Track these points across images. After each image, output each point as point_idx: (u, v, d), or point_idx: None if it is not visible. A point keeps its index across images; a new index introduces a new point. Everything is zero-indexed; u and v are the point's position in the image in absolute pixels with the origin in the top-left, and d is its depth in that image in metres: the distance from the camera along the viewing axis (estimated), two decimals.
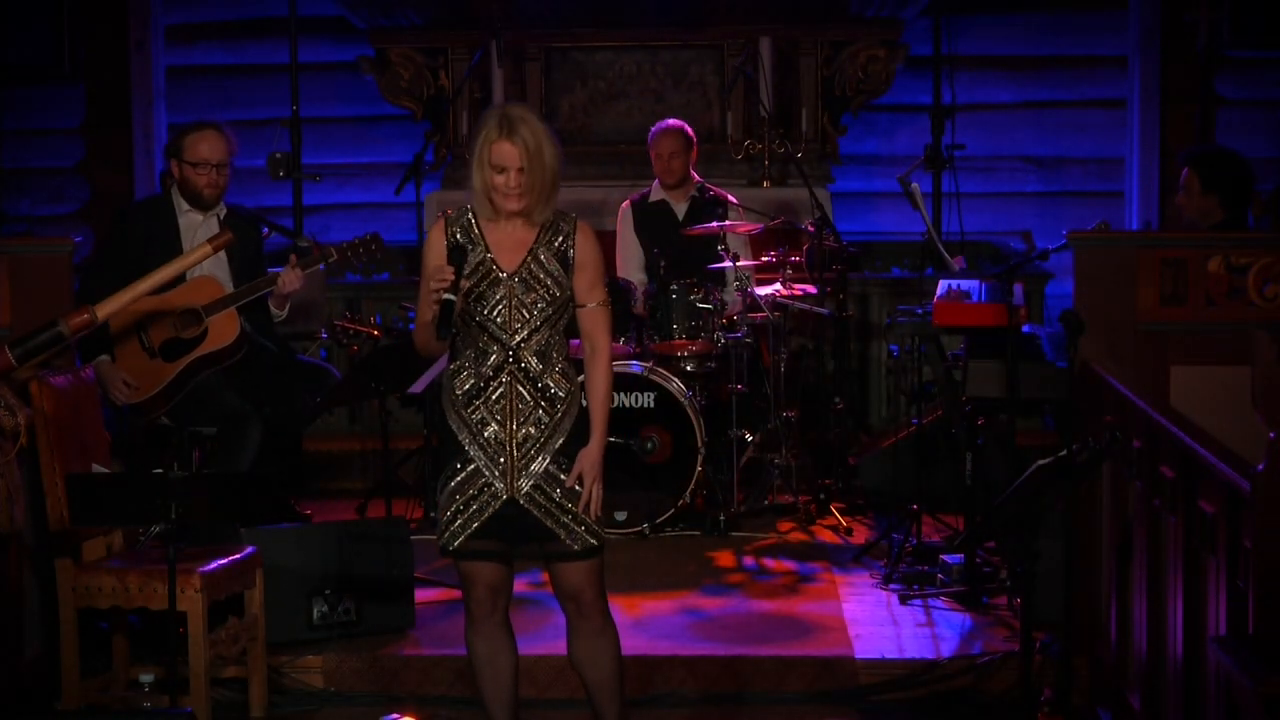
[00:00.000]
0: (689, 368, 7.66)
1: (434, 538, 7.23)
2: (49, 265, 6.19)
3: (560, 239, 4.75)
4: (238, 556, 5.65)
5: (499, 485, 4.69)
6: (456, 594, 6.57)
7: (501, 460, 4.69)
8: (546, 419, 4.70)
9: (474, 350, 4.73)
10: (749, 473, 7.87)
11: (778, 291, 7.79)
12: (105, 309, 5.30)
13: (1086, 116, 10.20)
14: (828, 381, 8.54)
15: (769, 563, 7.14)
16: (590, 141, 9.73)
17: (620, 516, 7.40)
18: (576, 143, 9.72)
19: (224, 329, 6.53)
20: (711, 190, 8.19)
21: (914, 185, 6.83)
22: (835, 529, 7.59)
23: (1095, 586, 5.80)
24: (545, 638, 6.01)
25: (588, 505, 4.71)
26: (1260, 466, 3.86)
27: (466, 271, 4.68)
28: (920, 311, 6.82)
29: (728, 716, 5.70)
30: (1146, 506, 5.05)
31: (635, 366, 7.48)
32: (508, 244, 4.73)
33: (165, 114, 10.19)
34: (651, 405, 7.46)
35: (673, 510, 7.44)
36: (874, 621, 6.27)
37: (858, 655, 5.88)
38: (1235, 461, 4.10)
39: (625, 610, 6.18)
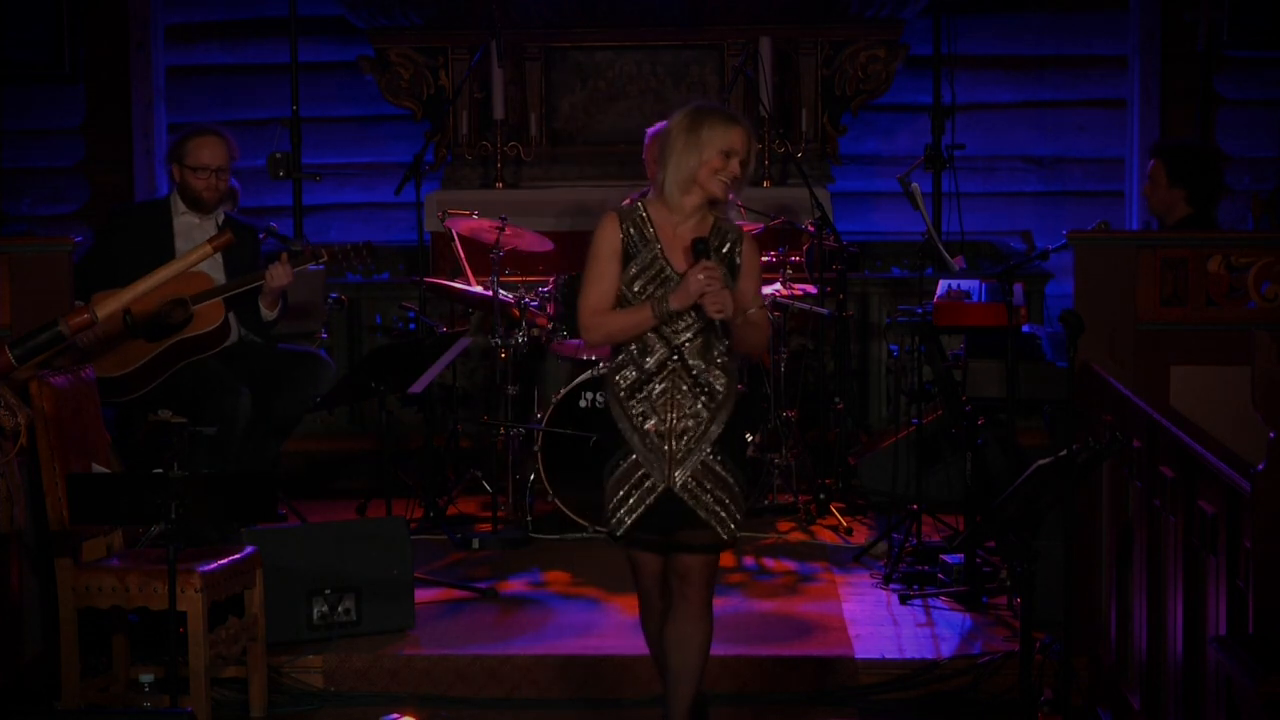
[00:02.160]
0: None
1: (440, 537, 7.36)
2: (49, 265, 6.19)
3: (727, 246, 4.84)
4: (238, 556, 5.65)
5: (657, 477, 4.76)
6: (456, 594, 6.58)
7: (661, 452, 4.75)
8: (705, 412, 4.79)
9: (638, 345, 4.80)
10: (749, 473, 7.85)
11: (778, 291, 7.79)
12: (105, 309, 5.31)
13: (1086, 116, 10.19)
14: (828, 381, 8.54)
15: (769, 563, 7.14)
16: (590, 141, 9.72)
17: None
18: (576, 143, 9.72)
19: (208, 316, 6.65)
20: None
21: (914, 185, 6.82)
22: (835, 529, 7.59)
23: (1095, 586, 5.79)
24: (546, 638, 6.01)
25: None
26: (1260, 466, 3.86)
27: (637, 269, 4.78)
28: (920, 311, 6.82)
29: (728, 716, 5.69)
30: (1146, 506, 5.05)
31: None
32: (680, 244, 4.81)
33: (165, 114, 10.18)
34: None
35: None
36: (874, 621, 6.27)
37: (858, 655, 5.88)
38: (1235, 461, 4.10)
39: (625, 610, 6.17)
